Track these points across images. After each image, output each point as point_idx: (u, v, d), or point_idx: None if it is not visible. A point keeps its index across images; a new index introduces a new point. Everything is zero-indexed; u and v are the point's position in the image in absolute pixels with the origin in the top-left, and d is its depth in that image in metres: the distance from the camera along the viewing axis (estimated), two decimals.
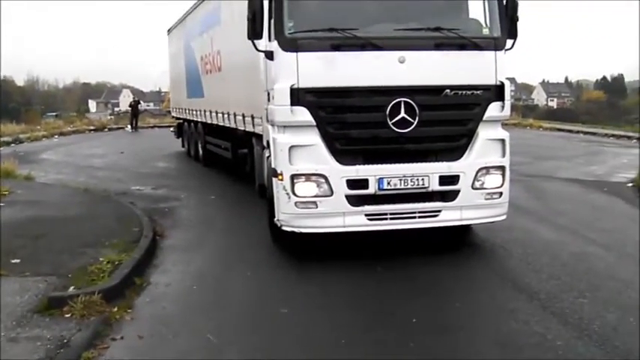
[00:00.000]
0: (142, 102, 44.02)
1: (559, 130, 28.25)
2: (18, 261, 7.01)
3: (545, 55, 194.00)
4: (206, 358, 4.82)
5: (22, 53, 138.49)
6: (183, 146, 20.03)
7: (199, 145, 17.06)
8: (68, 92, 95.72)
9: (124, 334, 5.26)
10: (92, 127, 34.33)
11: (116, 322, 5.52)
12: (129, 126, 33.30)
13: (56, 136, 29.92)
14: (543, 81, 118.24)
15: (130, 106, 35.55)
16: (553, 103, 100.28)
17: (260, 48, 7.17)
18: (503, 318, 5.50)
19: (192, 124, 17.79)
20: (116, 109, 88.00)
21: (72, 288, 6.13)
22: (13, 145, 25.53)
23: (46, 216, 9.65)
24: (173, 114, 21.16)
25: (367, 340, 5.10)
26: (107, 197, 11.64)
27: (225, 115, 12.53)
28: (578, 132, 26.98)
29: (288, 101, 6.80)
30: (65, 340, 4.96)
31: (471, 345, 4.99)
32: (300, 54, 6.79)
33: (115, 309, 5.77)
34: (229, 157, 13.48)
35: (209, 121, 14.52)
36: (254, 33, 6.99)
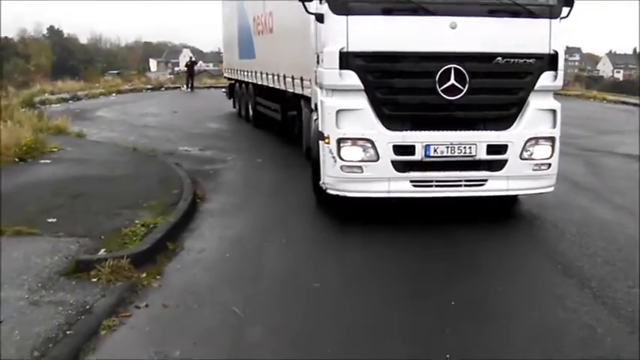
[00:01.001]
0: (199, 62, 44.05)
1: (624, 103, 26.81)
2: (54, 220, 6.96)
3: (613, 24, 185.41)
4: (227, 334, 4.60)
5: (85, 11, 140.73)
6: (234, 107, 20.10)
7: (250, 107, 17.19)
8: (130, 51, 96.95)
9: (149, 302, 5.09)
10: (149, 86, 34.68)
11: (143, 289, 5.36)
12: (185, 86, 33.42)
13: (113, 94, 30.35)
14: (610, 52, 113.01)
15: (186, 66, 35.52)
16: (619, 75, 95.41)
17: (310, 10, 7.12)
18: (549, 305, 5.08)
19: (243, 85, 17.86)
20: (176, 68, 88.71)
21: (102, 251, 6.03)
22: (70, 102, 26.06)
23: (89, 175, 9.64)
24: (225, 75, 21.21)
25: (399, 323, 4.79)
26: (153, 157, 11.59)
27: (275, 77, 12.54)
28: None
29: (337, 65, 6.76)
30: (88, 307, 4.82)
31: (511, 336, 4.59)
32: (350, 17, 6.72)
33: (144, 275, 5.62)
34: (279, 119, 13.57)
35: (259, 83, 14.56)
36: None
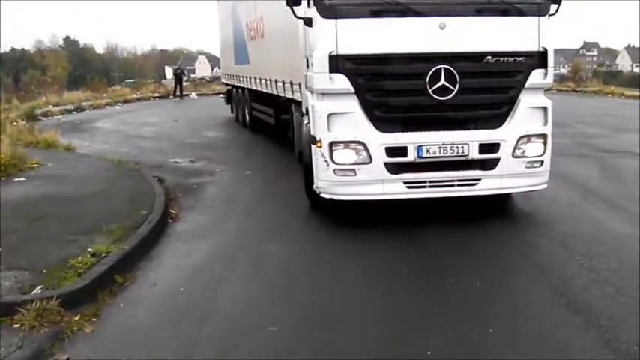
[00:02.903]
0: (185, 71, 43.96)
1: None
2: None
3: (631, 18, 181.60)
4: None
5: (101, 22, 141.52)
6: (232, 112, 19.79)
7: (246, 112, 17.06)
8: (146, 59, 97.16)
9: (73, 354, 4.33)
10: (157, 95, 34.11)
11: (70, 337, 4.61)
12: (172, 95, 32.86)
13: (119, 104, 29.80)
14: (629, 46, 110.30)
15: (174, 74, 35.01)
16: (638, 69, 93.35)
17: (299, 14, 7.13)
18: (548, 353, 4.21)
19: (239, 90, 17.62)
20: (192, 75, 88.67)
21: (38, 288, 5.27)
22: (74, 112, 25.55)
23: (58, 194, 8.92)
24: (223, 80, 21.11)
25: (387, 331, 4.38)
26: (135, 172, 10.81)
27: (268, 82, 12.37)
28: None
29: (327, 68, 6.74)
30: None
31: None
32: (339, 20, 6.69)
33: (77, 317, 4.87)
34: (272, 124, 13.49)
35: (254, 88, 14.41)
36: None
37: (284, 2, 7.11)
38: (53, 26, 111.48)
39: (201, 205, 8.85)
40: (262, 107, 14.42)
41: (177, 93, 32.70)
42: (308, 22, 7.03)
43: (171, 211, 8.31)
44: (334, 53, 6.69)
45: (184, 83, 34.96)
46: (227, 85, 19.96)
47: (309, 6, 6.99)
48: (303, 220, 7.75)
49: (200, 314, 5.00)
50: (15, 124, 19.54)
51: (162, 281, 5.79)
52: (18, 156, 11.46)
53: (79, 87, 42.29)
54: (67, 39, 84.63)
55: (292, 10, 7.09)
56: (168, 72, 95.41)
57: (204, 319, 4.89)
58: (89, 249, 6.20)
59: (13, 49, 76.73)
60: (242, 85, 16.38)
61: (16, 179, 10.21)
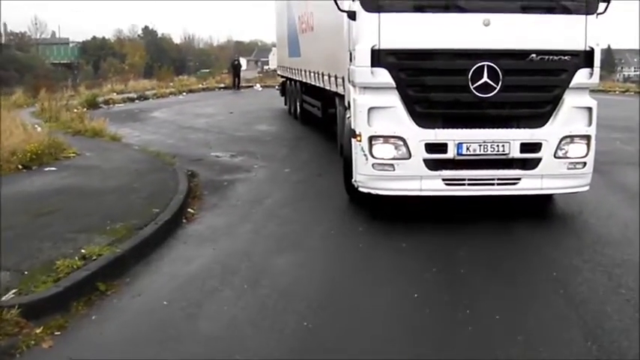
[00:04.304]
0: (242, 62, 43.64)
1: None
2: None
3: None
4: None
5: (179, 12, 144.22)
6: (285, 104, 19.72)
7: (297, 104, 17.07)
8: (222, 50, 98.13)
9: None
10: (222, 85, 34.12)
11: (23, 352, 4.14)
12: (234, 86, 32.55)
13: (184, 94, 29.96)
14: None
15: (232, 66, 34.65)
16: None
17: (343, 8, 7.07)
18: None
19: (292, 82, 17.56)
20: (265, 67, 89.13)
21: (11, 293, 4.84)
22: (136, 101, 25.82)
23: (78, 186, 8.64)
24: (278, 72, 20.95)
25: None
26: (169, 165, 10.40)
27: (316, 74, 12.36)
28: None
29: (369, 62, 6.71)
30: None
31: None
32: (382, 14, 6.66)
33: (39, 330, 4.39)
34: (320, 117, 13.52)
35: (304, 80, 14.49)
36: None
37: None
38: (132, 16, 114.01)
39: (224, 204, 8.34)
40: (312, 100, 14.30)
41: (236, 84, 32.48)
42: (352, 15, 6.96)
43: (190, 210, 7.84)
44: (376, 47, 6.64)
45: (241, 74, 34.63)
46: (282, 77, 19.86)
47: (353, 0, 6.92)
48: (325, 229, 7.10)
49: (173, 334, 4.43)
50: (75, 110, 19.73)
51: (149, 292, 5.26)
52: (56, 144, 11.33)
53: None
54: (145, 28, 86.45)
55: (336, 3, 7.06)
56: (243, 63, 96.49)
57: (174, 341, 4.32)
58: (82, 250, 5.77)
59: (94, 38, 78.98)
60: (294, 77, 16.25)
61: (47, 168, 10.05)
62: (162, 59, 73.09)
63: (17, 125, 11.88)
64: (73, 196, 8.07)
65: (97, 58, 71.87)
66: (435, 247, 6.32)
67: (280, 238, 6.76)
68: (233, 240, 6.74)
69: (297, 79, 15.63)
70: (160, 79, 34.63)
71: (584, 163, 6.90)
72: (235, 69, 33.72)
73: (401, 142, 6.75)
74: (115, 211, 7.18)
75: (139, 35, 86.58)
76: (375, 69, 6.69)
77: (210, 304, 4.98)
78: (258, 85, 33.18)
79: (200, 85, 33.89)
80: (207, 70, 67.92)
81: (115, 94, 26.98)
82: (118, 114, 20.36)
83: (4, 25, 69.21)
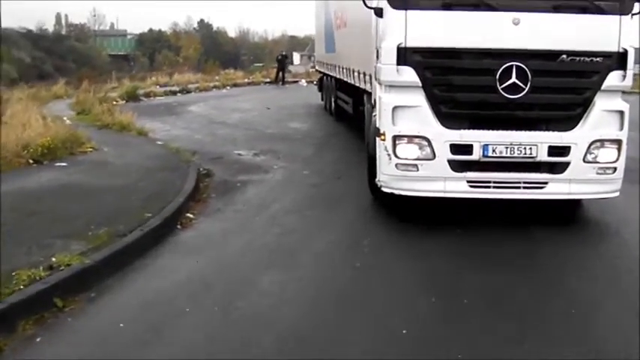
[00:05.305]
0: (295, 57, 42.65)
1: None
2: None
3: None
4: None
5: (235, 6, 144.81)
6: (321, 100, 19.54)
7: (332, 100, 16.83)
8: (276, 44, 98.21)
9: None
10: (267, 80, 33.72)
11: None
12: (280, 82, 31.93)
13: (227, 87, 29.71)
14: None
15: (277, 60, 33.87)
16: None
17: (370, 5, 6.96)
18: None
19: (328, 78, 17.20)
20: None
21: None
22: (178, 94, 25.67)
23: (80, 185, 8.27)
24: (316, 67, 20.57)
25: None
26: (184, 163, 9.92)
27: (348, 71, 12.08)
28: None
29: (395, 60, 6.58)
30: None
31: None
32: (409, 12, 6.53)
33: None
34: (351, 113, 13.27)
35: (337, 76, 14.25)
36: None
37: None
38: (189, 9, 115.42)
39: (228, 209, 7.80)
40: (344, 96, 14.01)
41: (280, 79, 31.96)
42: (378, 12, 6.86)
43: (188, 214, 7.34)
44: (402, 45, 6.52)
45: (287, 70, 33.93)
46: (319, 72, 19.59)
47: None
48: (325, 242, 6.46)
49: None
50: (115, 103, 19.68)
51: (109, 311, 4.72)
52: (74, 138, 11.06)
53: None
54: (201, 22, 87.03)
55: (364, 0, 6.92)
56: (296, 58, 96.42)
57: None
58: (53, 259, 5.30)
59: (150, 30, 79.92)
60: (330, 73, 15.92)
61: (58, 164, 9.76)
62: (217, 52, 73.49)
63: (37, 118, 11.65)
64: (71, 195, 7.68)
65: (153, 50, 72.75)
66: (440, 274, 5.63)
67: (273, 251, 6.15)
68: (222, 251, 6.16)
69: (332, 74, 15.33)
70: (205, 73, 34.52)
71: (615, 169, 6.70)
72: (280, 63, 33.07)
73: (425, 143, 6.61)
74: (105, 215, 6.71)
75: (194, 28, 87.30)
76: (400, 67, 6.54)
77: (169, 330, 4.40)
78: (303, 81, 32.61)
79: (245, 80, 33.57)
80: (261, 64, 67.95)
81: (157, 86, 26.92)
82: (156, 107, 20.20)
83: (65, 16, 70.88)
